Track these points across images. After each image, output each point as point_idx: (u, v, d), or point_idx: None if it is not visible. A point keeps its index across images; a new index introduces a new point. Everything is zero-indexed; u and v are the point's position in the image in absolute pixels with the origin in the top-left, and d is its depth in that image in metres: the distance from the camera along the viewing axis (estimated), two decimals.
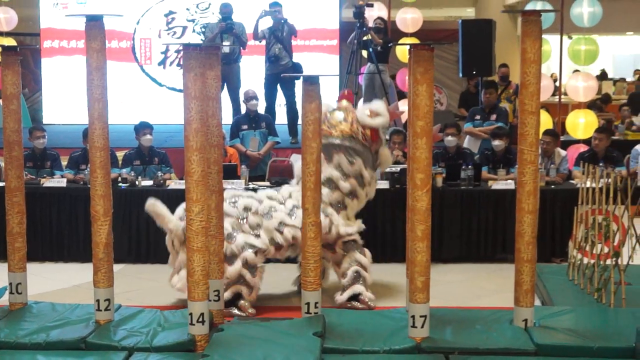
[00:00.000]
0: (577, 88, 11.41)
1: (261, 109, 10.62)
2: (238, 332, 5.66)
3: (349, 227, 6.91)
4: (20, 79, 6.26)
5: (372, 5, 12.63)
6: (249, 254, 6.64)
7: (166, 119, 12.60)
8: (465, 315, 6.17)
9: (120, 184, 8.57)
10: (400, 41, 13.36)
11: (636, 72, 21.62)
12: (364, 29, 11.67)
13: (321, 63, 14.07)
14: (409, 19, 14.39)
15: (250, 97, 10.00)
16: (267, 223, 6.78)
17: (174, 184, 8.51)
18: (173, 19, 14.62)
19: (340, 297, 6.89)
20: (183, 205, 6.14)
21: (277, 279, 7.71)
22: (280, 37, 11.06)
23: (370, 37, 11.78)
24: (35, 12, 14.82)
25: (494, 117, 10.44)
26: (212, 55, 6.06)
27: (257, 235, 6.75)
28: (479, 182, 8.78)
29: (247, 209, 6.83)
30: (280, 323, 5.89)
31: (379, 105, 7.15)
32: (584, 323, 5.92)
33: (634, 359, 5.29)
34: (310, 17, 14.13)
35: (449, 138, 9.11)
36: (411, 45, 5.77)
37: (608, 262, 6.60)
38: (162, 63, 14.72)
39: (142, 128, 9.13)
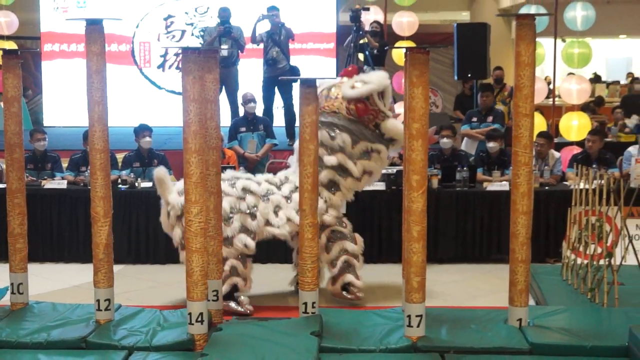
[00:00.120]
0: (571, 91, 11.42)
1: (259, 111, 10.62)
2: (237, 331, 5.66)
3: (330, 213, 6.89)
4: (21, 82, 6.26)
5: (368, 9, 12.63)
6: (244, 237, 6.68)
7: (165, 122, 12.60)
8: (461, 314, 6.18)
9: (120, 186, 8.57)
10: (397, 44, 13.37)
11: (629, 75, 21.62)
12: (361, 32, 11.67)
13: (318, 66, 14.05)
14: (404, 22, 14.40)
15: (249, 100, 10.01)
16: (264, 205, 6.79)
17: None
18: (172, 22, 14.61)
19: (333, 287, 6.96)
20: (180, 184, 6.14)
21: (275, 279, 7.73)
22: (277, 40, 11.06)
23: (366, 41, 11.78)
24: (36, 16, 14.80)
25: (490, 119, 10.46)
26: (210, 59, 6.07)
27: (254, 216, 6.77)
28: (474, 184, 8.79)
29: (245, 189, 6.85)
30: (278, 322, 5.89)
31: (368, 75, 7.01)
32: (577, 322, 5.93)
33: (627, 358, 5.30)
34: (308, 21, 14.12)
35: (445, 140, 9.11)
36: (407, 48, 5.77)
37: (601, 262, 6.62)
38: (161, 66, 14.70)
39: (142, 130, 9.13)
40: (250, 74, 12.10)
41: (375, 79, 6.87)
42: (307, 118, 5.92)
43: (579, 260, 7.05)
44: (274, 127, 10.31)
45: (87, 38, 5.68)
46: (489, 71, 11.97)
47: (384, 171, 8.14)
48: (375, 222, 8.51)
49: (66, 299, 6.79)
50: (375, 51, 11.80)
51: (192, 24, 14.54)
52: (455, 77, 12.25)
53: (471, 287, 7.76)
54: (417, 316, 5.52)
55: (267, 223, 6.78)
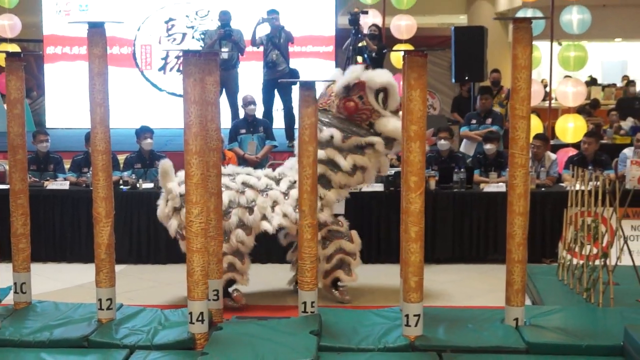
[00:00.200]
0: (567, 93, 11.43)
1: (259, 113, 10.62)
2: (237, 330, 5.67)
3: (325, 212, 6.87)
4: (24, 85, 6.26)
5: (367, 13, 12.65)
6: (240, 233, 6.68)
7: (166, 123, 12.60)
8: (458, 314, 6.18)
9: (121, 187, 8.57)
10: (395, 47, 13.40)
11: (624, 78, 21.65)
12: (359, 35, 11.68)
13: (317, 69, 14.07)
14: (403, 25, 14.43)
15: (249, 102, 10.01)
16: (262, 200, 6.80)
17: None
18: (173, 25, 14.62)
19: (324, 280, 7.01)
20: (181, 173, 6.16)
21: (274, 279, 7.73)
22: (277, 43, 11.06)
23: (365, 44, 11.78)
24: (39, 19, 14.82)
25: (489, 121, 10.47)
26: (211, 61, 6.07)
27: (251, 210, 6.77)
28: (471, 185, 8.79)
29: (245, 183, 6.86)
30: (277, 322, 5.89)
31: (365, 72, 6.89)
32: (573, 322, 5.93)
33: (622, 357, 5.30)
34: (307, 24, 14.14)
35: (442, 142, 9.12)
36: (405, 51, 5.77)
37: (597, 262, 6.62)
38: (162, 69, 14.72)
39: (143, 132, 9.14)
40: (250, 76, 12.10)
41: (352, 71, 6.81)
42: (307, 120, 5.93)
43: (574, 261, 7.05)
44: (273, 129, 10.32)
45: (89, 41, 5.68)
46: (486, 74, 11.98)
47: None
48: (374, 223, 8.52)
49: (68, 298, 6.78)
50: (373, 54, 11.80)
51: (192, 27, 14.56)
52: (453, 80, 12.25)
53: (468, 287, 7.76)
54: (414, 316, 5.52)
55: (263, 218, 6.79)
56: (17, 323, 5.86)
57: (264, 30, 11.16)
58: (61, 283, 7.84)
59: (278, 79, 10.62)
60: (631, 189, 7.83)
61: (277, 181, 6.97)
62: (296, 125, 6.70)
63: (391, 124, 6.80)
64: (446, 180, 8.76)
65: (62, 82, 14.54)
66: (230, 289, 6.87)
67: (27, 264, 6.30)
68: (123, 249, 7.98)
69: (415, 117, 5.44)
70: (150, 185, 8.65)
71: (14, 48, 13.74)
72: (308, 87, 5.96)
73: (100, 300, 5.86)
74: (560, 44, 13.26)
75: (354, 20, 11.62)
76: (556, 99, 12.24)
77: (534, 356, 5.36)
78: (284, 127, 11.35)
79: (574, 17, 11.50)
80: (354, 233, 7.12)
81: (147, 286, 7.79)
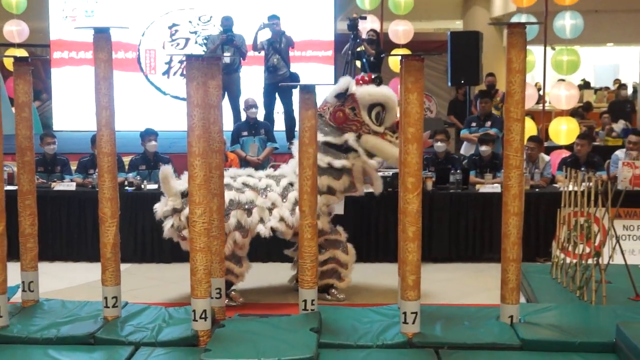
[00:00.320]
0: (560, 97, 11.43)
1: (260, 116, 10.62)
2: (239, 327, 5.66)
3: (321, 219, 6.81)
4: (31, 88, 6.26)
5: (365, 18, 12.63)
6: (237, 236, 6.68)
7: (170, 126, 12.56)
8: (454, 312, 6.18)
9: (126, 188, 8.58)
10: (392, 52, 13.38)
11: (616, 81, 21.65)
12: (358, 40, 11.68)
13: (317, 73, 14.06)
14: (400, 30, 14.43)
15: (250, 105, 10.01)
16: (261, 201, 6.80)
17: None
18: (176, 31, 14.62)
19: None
20: (185, 176, 6.16)
21: (275, 277, 7.73)
22: (278, 48, 11.07)
23: (363, 48, 11.78)
24: (46, 25, 14.81)
25: (489, 124, 10.49)
26: (213, 66, 6.07)
27: (250, 212, 6.76)
28: (467, 186, 8.79)
29: (245, 184, 6.85)
30: (278, 319, 5.89)
31: (367, 87, 6.83)
32: (566, 319, 5.93)
33: (614, 353, 5.30)
34: (307, 30, 14.13)
35: (439, 144, 9.12)
36: (402, 55, 5.78)
37: (589, 261, 6.62)
38: (166, 73, 14.71)
39: (148, 134, 9.14)
40: (252, 80, 12.09)
41: (361, 92, 6.74)
42: (307, 123, 5.93)
43: (568, 260, 7.05)
44: (274, 132, 10.32)
45: (95, 46, 5.68)
46: (481, 78, 12.00)
47: (380, 174, 8.07)
48: (372, 223, 8.52)
49: (75, 296, 6.79)
50: (372, 58, 11.80)
51: (195, 33, 14.55)
52: (449, 84, 12.27)
53: (464, 285, 7.76)
54: (412, 313, 5.52)
55: (261, 221, 6.78)
56: (25, 320, 5.86)
57: (265, 35, 11.16)
58: (68, 281, 7.84)
59: (279, 82, 10.62)
60: (623, 189, 7.82)
61: (278, 181, 6.96)
62: (297, 128, 6.70)
63: (374, 141, 6.79)
64: (443, 181, 8.77)
65: (69, 85, 14.54)
66: (227, 290, 6.83)
67: (34, 263, 6.30)
68: (128, 248, 7.99)
69: (413, 120, 5.45)
70: (155, 186, 8.65)
71: (22, 53, 13.75)
72: (308, 90, 5.96)
73: (106, 298, 5.86)
74: (553, 48, 13.26)
75: (353, 26, 11.63)
76: (550, 102, 12.24)
77: (528, 353, 5.36)
78: (284, 129, 11.35)
79: (566, 23, 11.49)
80: (350, 247, 7.12)
81: (152, 284, 7.79)
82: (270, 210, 6.79)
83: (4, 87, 12.18)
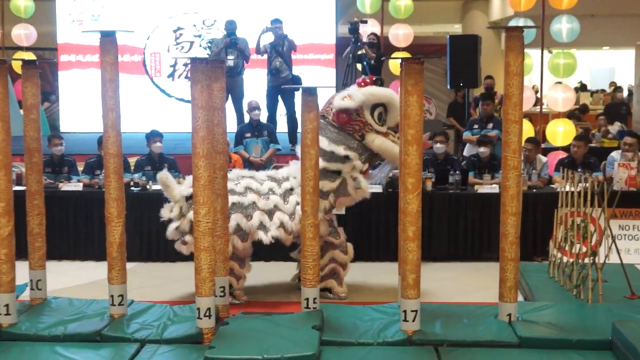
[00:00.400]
0: (557, 99, 11.42)
1: (263, 118, 10.62)
2: (242, 325, 5.66)
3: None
4: (39, 91, 6.26)
5: (366, 22, 12.65)
6: (236, 240, 6.67)
7: (175, 128, 12.59)
8: (454, 310, 6.16)
9: (132, 188, 8.58)
10: (393, 55, 13.38)
11: (611, 84, 21.64)
12: (359, 43, 11.68)
13: (319, 76, 14.06)
14: (400, 34, 14.43)
15: (253, 107, 10.00)
16: (263, 203, 6.79)
17: None
18: (181, 34, 14.62)
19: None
20: (189, 179, 6.14)
21: (278, 276, 7.74)
22: (280, 51, 11.07)
23: (364, 52, 11.79)
24: (53, 29, 14.82)
25: (490, 126, 10.48)
26: (217, 69, 6.07)
27: (250, 217, 6.75)
28: (466, 187, 8.79)
29: (248, 188, 6.83)
30: (281, 317, 5.89)
31: (370, 88, 6.82)
32: (563, 317, 5.92)
33: (610, 351, 5.29)
34: (309, 33, 14.13)
35: (438, 145, 9.12)
36: (402, 59, 5.77)
37: (586, 260, 6.62)
38: (171, 75, 14.71)
39: (153, 136, 9.14)
40: (255, 83, 12.10)
41: (353, 93, 6.73)
42: (309, 124, 5.92)
43: (565, 259, 7.04)
44: (277, 133, 10.30)
45: (101, 49, 5.69)
46: (480, 80, 11.98)
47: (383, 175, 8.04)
48: (373, 223, 8.51)
49: (82, 294, 6.78)
50: (372, 61, 11.82)
51: (200, 36, 14.56)
52: (448, 86, 12.25)
53: (463, 284, 7.75)
54: (412, 311, 5.52)
55: (261, 226, 6.76)
56: (33, 318, 5.86)
57: (268, 38, 11.16)
58: (75, 280, 7.84)
59: (281, 85, 10.62)
60: (619, 190, 7.81)
61: (280, 184, 6.95)
62: (299, 130, 6.69)
63: (378, 140, 6.77)
64: (442, 182, 8.76)
65: (76, 88, 14.54)
66: (230, 290, 6.82)
67: (42, 262, 6.30)
68: (134, 247, 7.96)
69: (413, 122, 5.44)
70: (160, 186, 8.64)
71: (30, 56, 13.76)
72: (310, 93, 5.96)
73: (112, 296, 5.86)
74: (550, 51, 13.24)
75: (354, 29, 11.63)
76: (547, 105, 12.22)
77: (526, 350, 5.35)
78: (287, 131, 11.35)
79: (563, 26, 11.48)
80: (350, 246, 7.11)
81: (157, 283, 7.79)
82: (271, 215, 6.77)
83: (12, 90, 12.17)
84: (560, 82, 11.84)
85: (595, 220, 6.75)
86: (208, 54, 13.16)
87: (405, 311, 5.53)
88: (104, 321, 5.76)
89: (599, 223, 6.78)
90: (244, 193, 6.78)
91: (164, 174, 6.88)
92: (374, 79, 7.02)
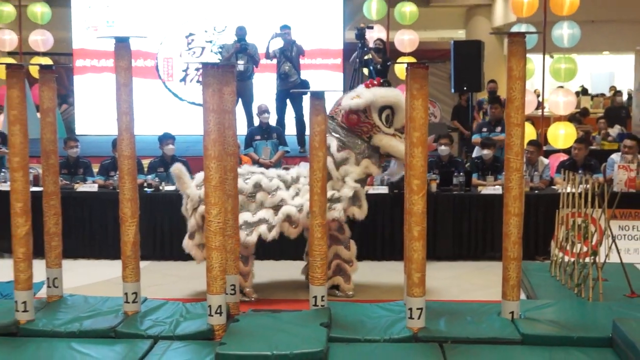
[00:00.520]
0: (558, 103, 11.40)
1: (272, 121, 10.63)
2: (252, 322, 5.67)
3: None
4: (55, 95, 6.29)
5: (372, 28, 12.64)
6: (243, 235, 6.66)
7: (187, 131, 12.59)
8: (458, 308, 6.16)
9: (145, 189, 8.59)
10: (398, 60, 13.37)
11: (611, 88, 21.58)
12: (365, 49, 11.68)
13: (326, 80, 14.07)
14: (406, 39, 14.42)
15: (263, 111, 10.02)
16: (271, 200, 6.80)
17: None
18: (193, 40, 14.64)
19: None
20: (200, 174, 6.14)
21: (287, 274, 7.73)
22: (289, 56, 11.08)
23: (370, 57, 11.78)
24: (69, 34, 14.86)
25: (499, 129, 10.43)
26: (228, 73, 6.08)
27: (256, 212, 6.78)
28: (470, 188, 8.77)
29: (257, 185, 6.84)
30: (290, 314, 5.89)
31: (378, 89, 6.83)
32: (565, 315, 5.91)
33: (610, 348, 5.28)
34: (317, 39, 14.14)
35: (442, 147, 9.10)
36: (408, 63, 5.77)
37: (587, 260, 6.60)
38: (183, 80, 14.74)
39: (166, 138, 9.16)
40: (265, 87, 12.11)
41: (361, 93, 6.74)
42: (317, 127, 5.93)
43: (566, 258, 7.03)
44: (286, 136, 10.32)
45: (115, 54, 5.70)
46: (483, 84, 11.96)
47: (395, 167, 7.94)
48: (379, 223, 8.50)
49: (97, 292, 6.80)
50: (378, 66, 11.80)
51: (211, 42, 14.58)
52: (452, 90, 12.22)
53: (467, 283, 7.74)
54: (417, 309, 5.52)
55: (265, 221, 6.78)
56: (50, 315, 5.88)
57: (277, 44, 11.17)
58: (90, 278, 7.86)
59: (290, 89, 10.63)
60: (618, 191, 7.79)
61: (288, 185, 6.95)
62: (307, 132, 6.69)
63: (385, 140, 6.78)
64: (446, 184, 8.75)
65: (91, 92, 14.58)
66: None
67: (59, 261, 6.32)
68: (147, 246, 7.96)
69: (418, 125, 5.44)
70: (172, 187, 8.65)
71: (47, 61, 13.79)
72: (318, 97, 5.97)
73: (126, 294, 5.88)
74: (552, 56, 13.22)
75: (360, 35, 11.63)
76: (548, 108, 12.20)
77: (528, 347, 5.34)
78: (295, 134, 11.36)
79: (564, 32, 11.46)
80: (352, 242, 7.10)
81: (170, 281, 7.80)
82: (277, 209, 6.78)
83: (29, 94, 12.21)
84: (561, 87, 11.82)
85: (595, 221, 6.73)
86: (219, 59, 13.17)
87: (410, 309, 5.53)
88: (119, 318, 5.78)
89: (599, 223, 6.76)
90: (254, 193, 6.80)
91: (179, 166, 6.91)
92: (381, 81, 7.03)
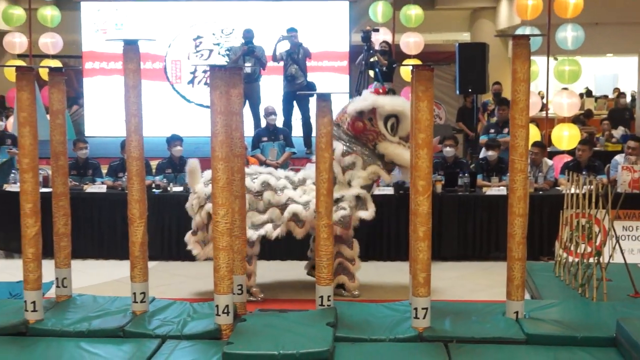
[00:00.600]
0: (562, 104, 11.37)
1: (279, 123, 10.63)
2: (259, 322, 5.65)
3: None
4: (65, 97, 6.28)
5: (378, 30, 12.66)
6: (250, 233, 6.66)
7: (194, 132, 12.61)
8: (463, 307, 6.14)
9: (154, 190, 8.60)
10: (404, 62, 13.37)
11: (615, 90, 21.52)
12: (371, 51, 11.68)
13: (333, 82, 14.07)
14: (411, 42, 14.41)
15: (270, 113, 10.02)
16: (277, 198, 6.80)
17: None
18: (200, 42, 14.66)
19: None
20: (209, 172, 6.17)
21: (294, 275, 7.73)
22: (296, 58, 11.08)
23: (376, 59, 11.78)
24: (78, 37, 14.90)
25: (506, 130, 10.39)
26: (235, 75, 6.08)
27: (262, 212, 6.80)
28: (475, 189, 8.76)
29: (264, 183, 6.86)
30: (296, 314, 5.88)
31: (381, 97, 6.90)
32: (569, 315, 5.89)
33: (614, 347, 5.26)
34: (323, 41, 14.14)
35: (447, 149, 9.09)
36: (413, 66, 5.76)
37: (591, 260, 6.57)
38: (191, 82, 14.75)
39: (173, 140, 9.17)
40: (271, 89, 12.12)
41: (367, 98, 6.76)
42: (323, 129, 5.92)
43: (570, 259, 7.00)
44: (292, 137, 10.32)
45: (124, 57, 5.70)
46: (488, 86, 11.94)
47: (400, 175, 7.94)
48: (385, 223, 8.49)
49: (106, 292, 6.80)
50: (384, 68, 11.81)
51: (218, 44, 14.59)
52: (457, 92, 12.20)
53: (472, 283, 7.73)
54: (423, 309, 5.50)
55: (270, 220, 6.78)
56: (59, 314, 5.88)
57: (284, 46, 11.18)
58: (99, 278, 7.87)
59: (297, 91, 10.64)
60: (622, 192, 7.77)
61: (296, 186, 6.95)
62: (313, 134, 6.69)
63: (391, 148, 6.82)
64: (451, 184, 8.74)
65: (100, 94, 14.61)
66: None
67: (68, 261, 6.32)
68: (155, 246, 7.97)
69: (423, 126, 5.43)
70: (180, 188, 8.67)
71: (56, 64, 13.83)
72: (324, 98, 5.96)
73: (134, 293, 5.87)
74: (556, 58, 13.21)
75: (366, 37, 11.64)
76: (552, 110, 12.18)
77: (533, 346, 5.32)
78: (302, 135, 11.36)
79: (568, 34, 11.43)
80: (355, 241, 7.09)
81: (178, 281, 7.80)
82: (284, 208, 6.78)
83: (39, 96, 12.23)
84: (565, 88, 11.79)
85: (599, 222, 6.71)
86: (226, 61, 13.18)
87: (416, 309, 5.52)
88: (127, 318, 5.77)
89: (603, 224, 6.74)
90: (261, 193, 6.80)
91: (195, 162, 6.94)
92: (387, 89, 7.06)
